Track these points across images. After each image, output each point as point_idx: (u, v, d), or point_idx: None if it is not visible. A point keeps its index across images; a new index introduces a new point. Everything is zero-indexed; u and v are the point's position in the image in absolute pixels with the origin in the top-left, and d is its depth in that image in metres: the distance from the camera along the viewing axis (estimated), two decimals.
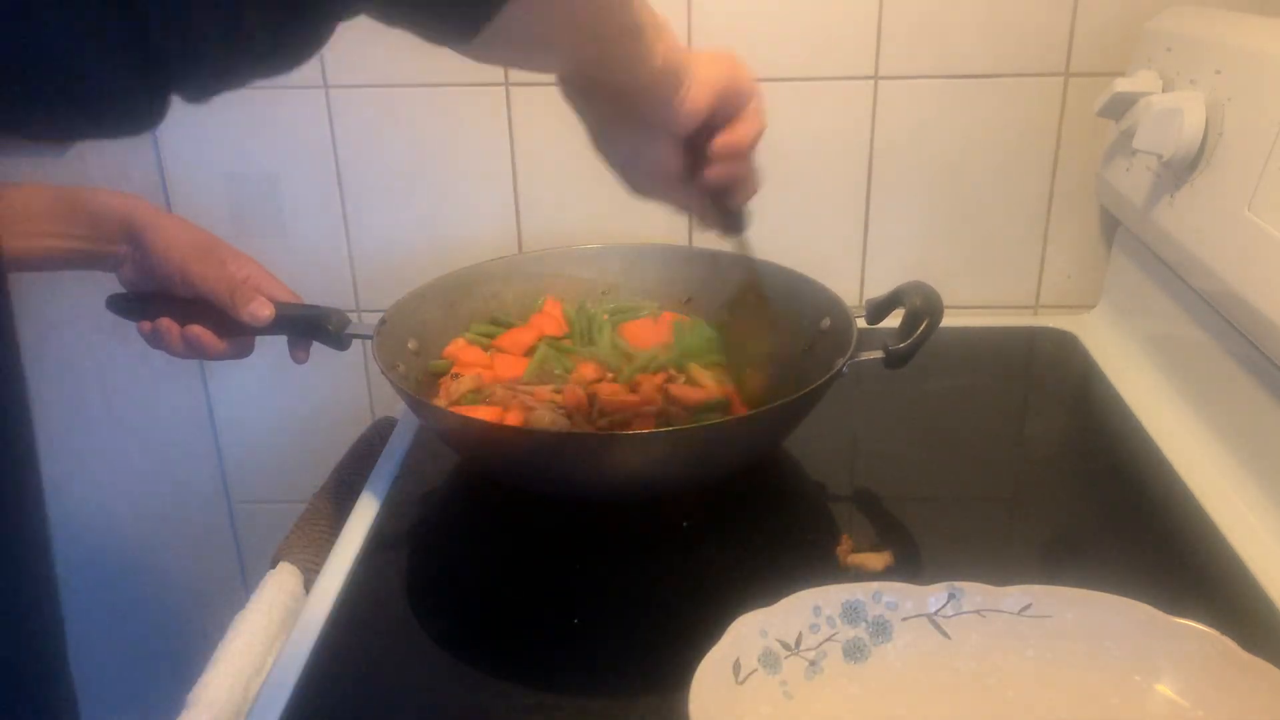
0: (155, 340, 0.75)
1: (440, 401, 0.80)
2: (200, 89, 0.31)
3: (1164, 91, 0.83)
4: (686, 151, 0.59)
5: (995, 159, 1.01)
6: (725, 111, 0.58)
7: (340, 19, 0.33)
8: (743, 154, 0.60)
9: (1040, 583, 0.58)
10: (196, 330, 0.74)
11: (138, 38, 0.28)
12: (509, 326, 0.89)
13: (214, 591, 1.23)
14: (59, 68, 0.27)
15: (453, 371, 0.83)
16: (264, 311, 0.73)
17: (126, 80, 0.29)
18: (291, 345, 0.79)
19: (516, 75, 1.00)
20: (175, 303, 0.74)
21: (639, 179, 0.61)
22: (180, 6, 0.28)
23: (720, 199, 0.63)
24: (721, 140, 0.59)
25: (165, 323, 0.74)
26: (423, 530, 0.76)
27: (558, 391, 0.79)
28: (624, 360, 0.84)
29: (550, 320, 0.89)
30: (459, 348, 0.86)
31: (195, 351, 0.74)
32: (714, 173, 0.60)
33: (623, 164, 0.60)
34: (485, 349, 0.86)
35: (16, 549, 0.37)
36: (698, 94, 0.56)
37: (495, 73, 1.00)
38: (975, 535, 0.74)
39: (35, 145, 1.03)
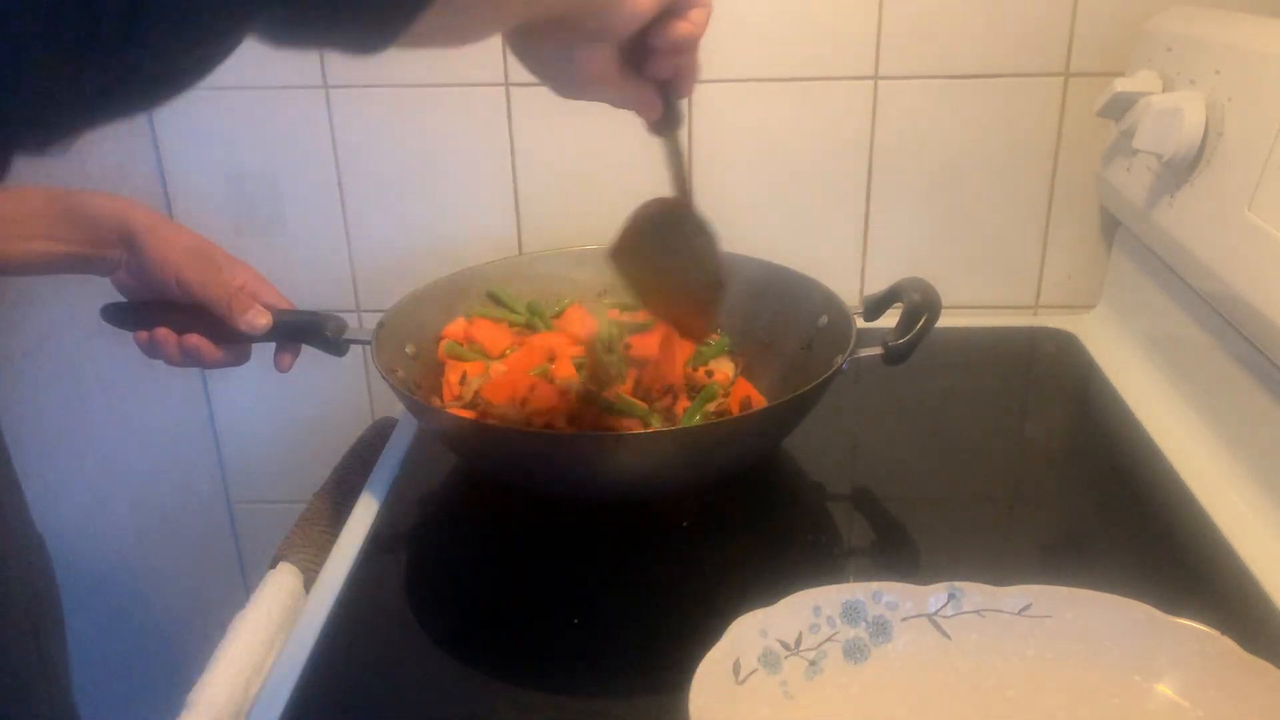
0: (152, 350, 0.74)
1: (440, 401, 0.80)
2: (39, 142, 0.28)
3: (1164, 91, 0.83)
4: (624, 48, 0.55)
5: (995, 159, 1.01)
6: (672, 4, 0.54)
7: (226, 38, 0.28)
8: (693, 45, 0.56)
9: (1040, 583, 0.58)
10: (194, 340, 0.73)
11: None
12: (510, 309, 0.90)
13: (213, 592, 1.23)
14: None
15: (463, 373, 0.83)
16: (261, 320, 0.73)
17: None
18: (277, 352, 0.77)
19: (516, 75, 1.00)
20: (171, 311, 0.73)
21: (570, 84, 0.56)
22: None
23: (662, 92, 0.59)
24: (672, 32, 0.54)
25: (162, 332, 0.73)
26: (422, 531, 0.76)
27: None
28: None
29: (576, 328, 0.88)
30: (459, 327, 0.87)
31: (193, 360, 0.73)
32: (662, 66, 0.56)
33: (552, 72, 0.56)
34: (511, 326, 0.88)
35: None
36: None
37: (495, 73, 1.00)
38: (975, 535, 0.74)
39: None
